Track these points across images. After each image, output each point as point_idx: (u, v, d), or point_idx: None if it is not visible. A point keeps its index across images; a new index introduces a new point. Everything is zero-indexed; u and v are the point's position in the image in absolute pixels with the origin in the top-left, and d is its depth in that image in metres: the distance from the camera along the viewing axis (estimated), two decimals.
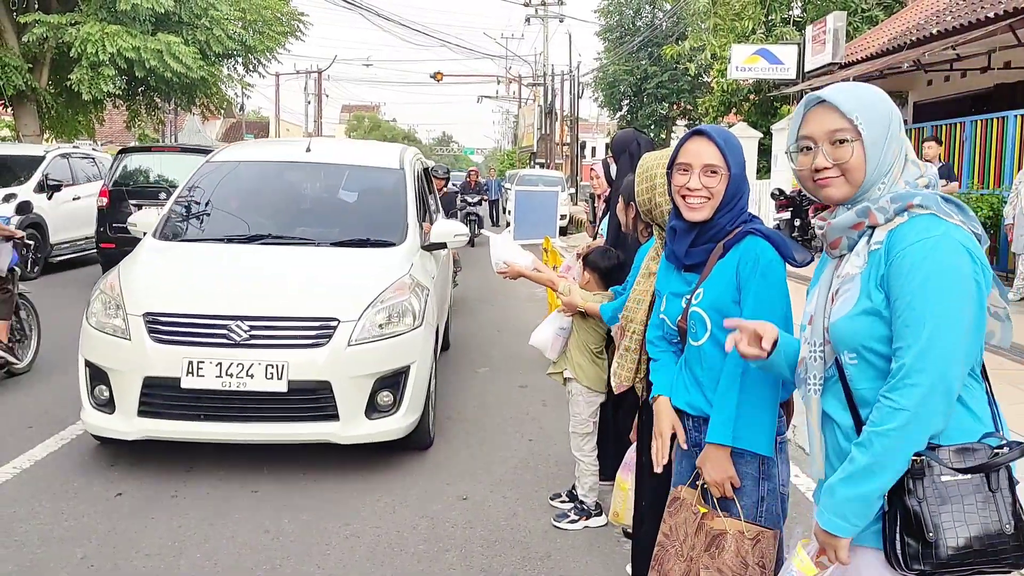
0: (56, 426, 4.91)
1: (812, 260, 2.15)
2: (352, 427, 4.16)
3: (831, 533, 1.63)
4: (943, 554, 1.54)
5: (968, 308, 1.56)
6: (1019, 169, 9.32)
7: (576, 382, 3.71)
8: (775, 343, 1.81)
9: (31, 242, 6.44)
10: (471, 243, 11.32)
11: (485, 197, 20.16)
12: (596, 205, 6.55)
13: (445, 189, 11.82)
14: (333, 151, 6.36)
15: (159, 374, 4.06)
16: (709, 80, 22.82)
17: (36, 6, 16.65)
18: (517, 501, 4.07)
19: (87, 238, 12.23)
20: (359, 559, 3.44)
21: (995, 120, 10.31)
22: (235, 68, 20.38)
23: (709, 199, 2.15)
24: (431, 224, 5.85)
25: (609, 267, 3.63)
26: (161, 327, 4.13)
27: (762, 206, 15.17)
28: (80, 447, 4.59)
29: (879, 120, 1.67)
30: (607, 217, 4.06)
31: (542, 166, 36.71)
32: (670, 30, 31.21)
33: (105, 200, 10.63)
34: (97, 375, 4.25)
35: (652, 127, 34.12)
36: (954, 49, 11.04)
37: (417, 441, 4.57)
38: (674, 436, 2.26)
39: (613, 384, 2.80)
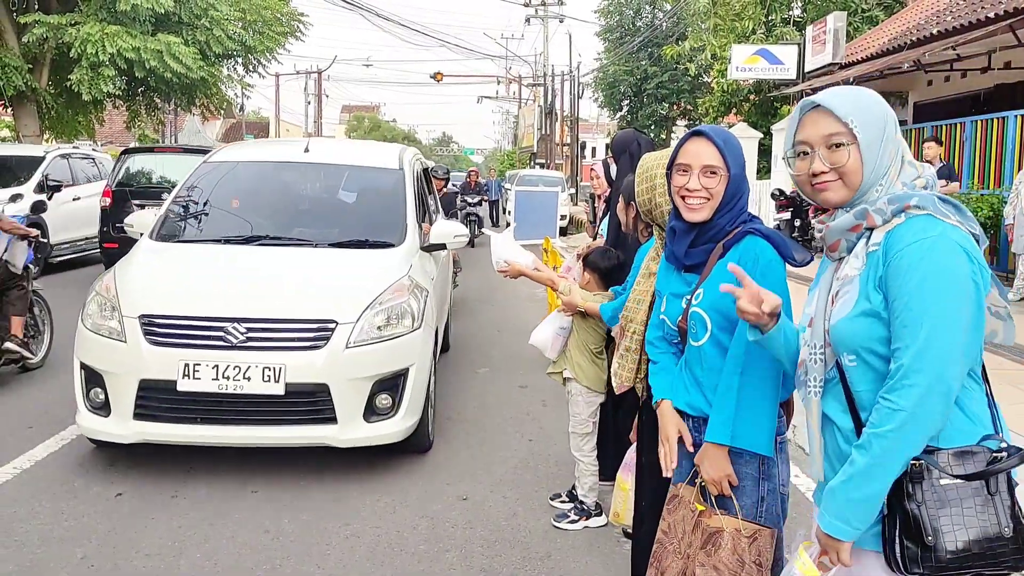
0: (56, 426, 4.91)
1: (812, 260, 2.15)
2: (350, 430, 4.13)
3: (833, 536, 1.63)
4: (942, 557, 1.54)
5: (966, 308, 1.56)
6: (1019, 169, 9.32)
7: (576, 382, 3.71)
8: (778, 316, 1.81)
9: (45, 240, 6.54)
10: (471, 244, 11.31)
11: (485, 197, 20.17)
12: (596, 205, 6.55)
13: (445, 189, 11.82)
14: (332, 151, 6.33)
15: (155, 377, 4.02)
16: (709, 80, 22.82)
17: (36, 6, 16.65)
18: (517, 501, 4.07)
19: (87, 238, 12.25)
20: (359, 559, 3.44)
21: (995, 120, 10.31)
22: (235, 68, 20.38)
23: (708, 200, 2.15)
24: (430, 225, 5.82)
25: (609, 267, 3.63)
26: (157, 329, 4.10)
27: (762, 206, 15.17)
28: (80, 447, 4.59)
29: (874, 123, 1.68)
30: (607, 217, 4.06)
31: (542, 166, 36.72)
32: (670, 30, 31.23)
33: (108, 200, 10.78)
34: (92, 378, 4.22)
35: (652, 127, 34.11)
36: (954, 49, 11.04)
37: (416, 444, 4.54)
38: (681, 439, 2.25)
39: (614, 384, 2.80)
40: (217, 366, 3.97)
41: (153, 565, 3.36)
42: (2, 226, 5.90)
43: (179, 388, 3.97)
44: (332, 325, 4.14)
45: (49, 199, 10.49)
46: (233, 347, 4.01)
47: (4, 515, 3.78)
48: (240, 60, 19.77)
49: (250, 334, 4.04)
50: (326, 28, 40.50)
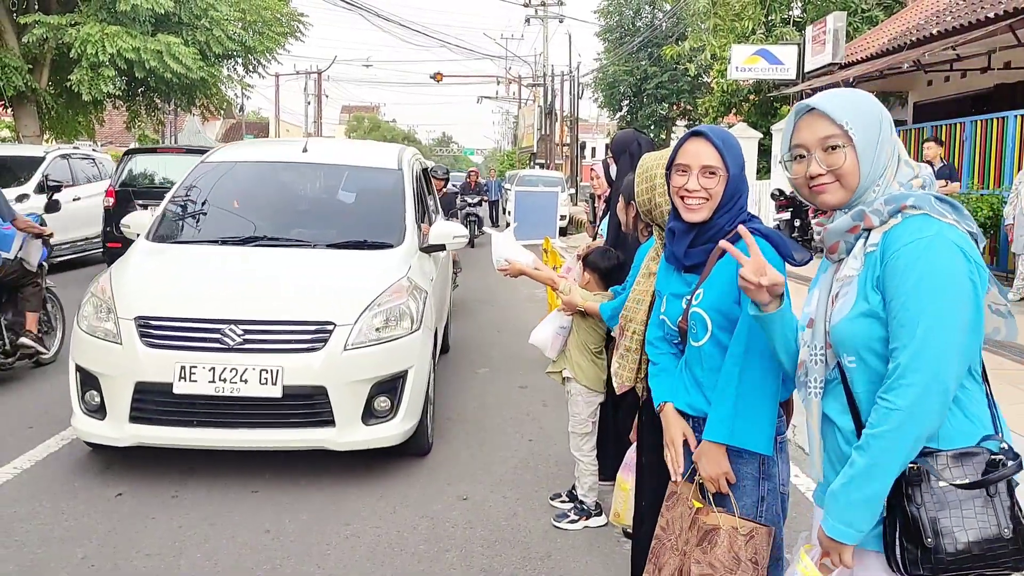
0: (56, 426, 4.91)
1: (811, 259, 2.15)
2: (348, 433, 4.09)
3: (836, 540, 1.64)
4: (942, 559, 1.55)
5: (963, 307, 1.57)
6: (1019, 169, 9.32)
7: (575, 382, 3.72)
8: (780, 299, 1.81)
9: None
10: (471, 244, 11.30)
11: (485, 198, 20.15)
12: (596, 205, 6.56)
13: (444, 190, 11.82)
14: (330, 151, 6.28)
15: (151, 379, 3.98)
16: (709, 80, 22.83)
17: (36, 7, 16.65)
18: (517, 501, 4.07)
19: (87, 239, 12.26)
20: (359, 559, 3.45)
21: (995, 120, 10.31)
22: (235, 69, 20.39)
23: (707, 200, 2.15)
24: (430, 225, 5.79)
25: (609, 267, 3.63)
26: (153, 331, 4.06)
27: (762, 206, 15.18)
28: (80, 447, 4.58)
29: (870, 124, 1.68)
30: (607, 217, 4.06)
31: (542, 166, 36.72)
32: (670, 30, 31.22)
33: (112, 200, 10.90)
34: (88, 380, 4.17)
35: (652, 127, 34.11)
36: (954, 49, 11.05)
37: (415, 447, 4.50)
38: (686, 441, 2.26)
39: (615, 384, 2.80)
40: (214, 368, 3.93)
41: (153, 565, 3.36)
42: (18, 225, 6.06)
43: (175, 391, 3.93)
44: (330, 327, 4.10)
45: (49, 199, 10.52)
46: (230, 349, 3.97)
47: (4, 515, 3.78)
48: (240, 60, 19.77)
49: (247, 336, 4.00)
50: (326, 28, 40.51)
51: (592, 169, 4.63)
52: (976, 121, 10.71)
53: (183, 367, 3.94)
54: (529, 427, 5.25)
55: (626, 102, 36.72)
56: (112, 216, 10.67)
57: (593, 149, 48.82)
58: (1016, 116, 9.91)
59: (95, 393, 4.14)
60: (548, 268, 4.72)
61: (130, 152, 12.32)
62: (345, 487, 4.15)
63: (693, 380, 2.22)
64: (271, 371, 3.95)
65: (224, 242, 4.95)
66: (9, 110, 18.19)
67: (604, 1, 36.70)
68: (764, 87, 18.32)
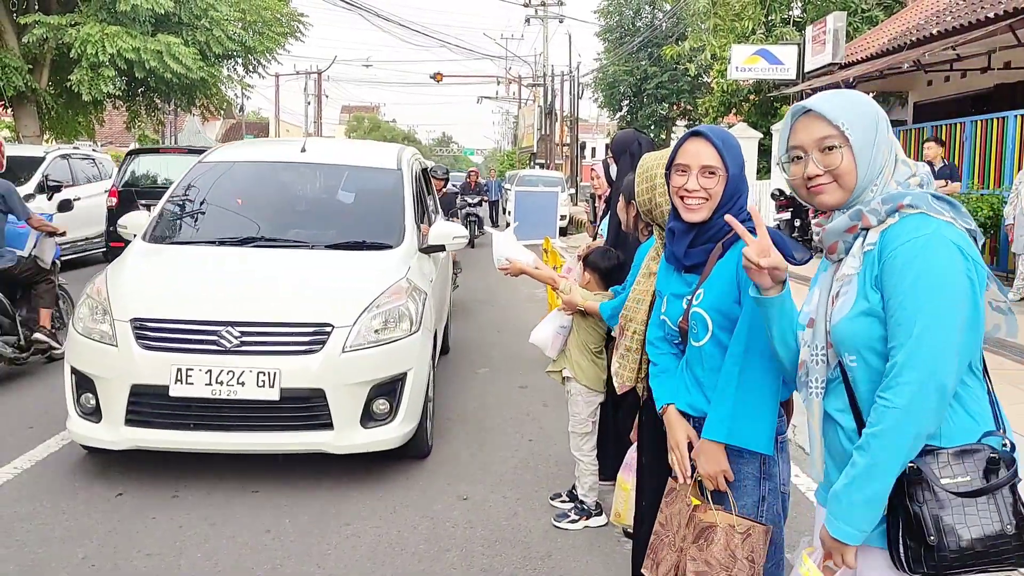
0: (57, 426, 4.90)
1: (811, 258, 2.16)
2: (347, 436, 4.04)
3: (839, 540, 1.64)
4: (945, 556, 1.55)
5: (961, 304, 1.57)
6: (1019, 169, 9.31)
7: (575, 381, 3.72)
8: (783, 282, 1.81)
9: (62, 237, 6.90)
10: (471, 244, 11.29)
11: (485, 198, 20.15)
12: (597, 205, 6.56)
13: (444, 190, 11.82)
14: (329, 151, 6.22)
15: (147, 382, 3.93)
16: (709, 80, 22.84)
17: (36, 7, 16.66)
18: (518, 501, 4.07)
19: (87, 239, 12.27)
20: (360, 559, 3.45)
21: (995, 120, 10.31)
22: (235, 69, 20.39)
23: (707, 200, 2.15)
24: (429, 226, 5.76)
25: (609, 267, 3.63)
26: (149, 333, 4.00)
27: (762, 206, 15.17)
28: (81, 447, 4.59)
29: (866, 124, 1.69)
30: (607, 217, 4.07)
31: (542, 166, 36.73)
32: (670, 30, 31.23)
33: (115, 200, 10.94)
34: (83, 382, 4.12)
35: (652, 127, 34.12)
36: (954, 49, 11.05)
37: (414, 450, 4.45)
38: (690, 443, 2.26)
39: (615, 384, 2.81)
40: (210, 371, 3.88)
41: (154, 565, 3.36)
42: (32, 224, 6.19)
43: (171, 393, 3.88)
44: (328, 329, 4.05)
45: (49, 199, 10.58)
46: (227, 351, 3.92)
47: (5, 515, 3.78)
48: (240, 60, 19.78)
49: (244, 338, 3.95)
50: (326, 28, 40.53)
51: (592, 169, 4.63)
52: (976, 121, 10.71)
53: (179, 369, 3.88)
54: (529, 427, 5.25)
55: (626, 102, 36.73)
56: (115, 216, 10.74)
57: (593, 149, 48.82)
58: (1016, 116, 9.91)
59: (90, 396, 4.08)
60: (548, 268, 4.72)
61: (133, 152, 12.46)
62: (345, 487, 4.15)
63: (694, 380, 2.22)
64: (268, 373, 3.90)
65: (221, 243, 4.91)
66: (9, 110, 18.19)
67: (604, 1, 36.71)
68: (764, 87, 18.33)
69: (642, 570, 2.34)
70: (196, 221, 5.33)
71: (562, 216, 19.11)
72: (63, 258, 11.74)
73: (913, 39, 12.33)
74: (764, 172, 17.55)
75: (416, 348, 4.35)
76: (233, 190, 5.58)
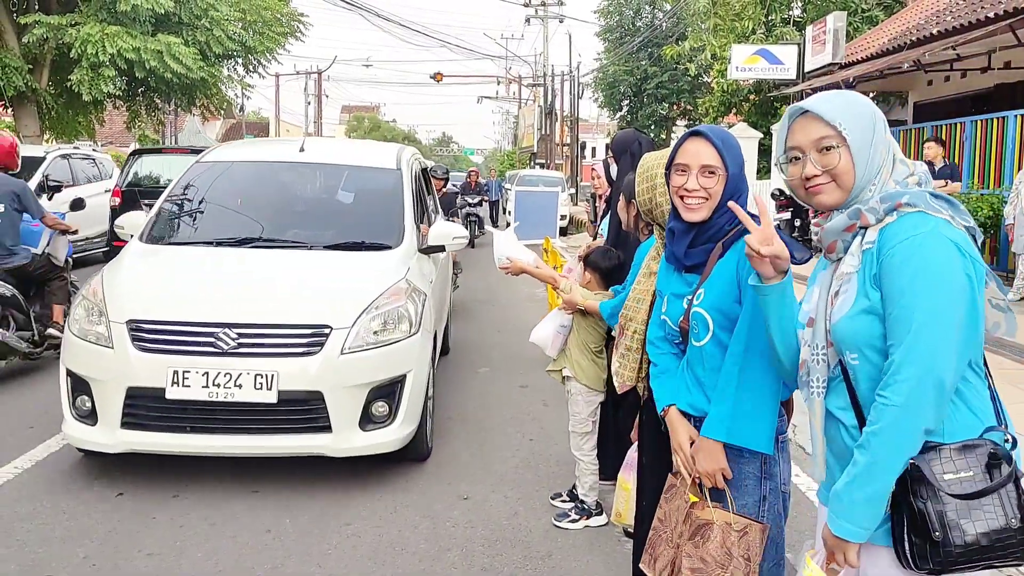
0: (57, 426, 4.87)
1: (811, 257, 2.16)
2: (345, 439, 4.00)
3: (842, 538, 1.64)
4: (951, 552, 1.55)
5: (958, 302, 1.58)
6: (1019, 169, 9.32)
7: (575, 381, 3.72)
8: (784, 272, 1.81)
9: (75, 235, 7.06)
10: (471, 244, 11.28)
11: (485, 198, 20.15)
12: (597, 205, 6.55)
13: (444, 190, 11.82)
14: (328, 151, 6.14)
15: (143, 384, 3.88)
16: (709, 80, 22.84)
17: (36, 7, 16.66)
18: (518, 501, 4.07)
19: (88, 239, 12.27)
20: (360, 559, 3.45)
21: (995, 120, 10.31)
22: (235, 69, 20.39)
23: (707, 199, 2.15)
24: (429, 226, 5.72)
25: (610, 267, 3.64)
26: (145, 335, 3.95)
27: None
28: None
29: (863, 124, 1.70)
30: (607, 217, 4.07)
31: (542, 166, 36.74)
32: (670, 30, 31.24)
33: (118, 200, 10.98)
34: (79, 385, 4.07)
35: (652, 127, 34.14)
36: (954, 49, 11.05)
37: (414, 452, 4.41)
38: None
39: (616, 384, 2.81)
40: (207, 373, 3.83)
41: (154, 565, 3.36)
42: (46, 222, 6.36)
43: (168, 396, 3.84)
44: (326, 330, 4.00)
45: (50, 199, 10.61)
46: (224, 353, 3.87)
47: (5, 515, 3.78)
48: (240, 60, 19.78)
49: (241, 340, 3.90)
50: (326, 28, 40.53)
51: (593, 169, 4.63)
52: (976, 121, 10.71)
53: (176, 372, 3.84)
54: (530, 427, 5.25)
55: (626, 102, 36.74)
56: (118, 216, 10.77)
57: (593, 149, 48.84)
58: (1016, 116, 9.91)
59: (86, 398, 4.03)
60: (549, 267, 4.73)
61: (136, 152, 12.56)
62: (346, 487, 4.15)
63: (695, 380, 2.22)
64: (266, 376, 3.85)
65: (219, 243, 4.85)
66: (9, 110, 18.19)
67: (604, 1, 36.72)
68: (764, 87, 18.33)
69: (640, 565, 2.35)
70: (193, 221, 5.28)
71: (562, 216, 19.11)
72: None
73: (913, 39, 12.33)
74: (764, 172, 17.55)
75: (415, 350, 4.31)
76: (231, 190, 5.52)
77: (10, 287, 5.98)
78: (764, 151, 17.79)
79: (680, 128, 33.04)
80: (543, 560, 3.47)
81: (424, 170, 7.05)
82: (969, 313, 1.59)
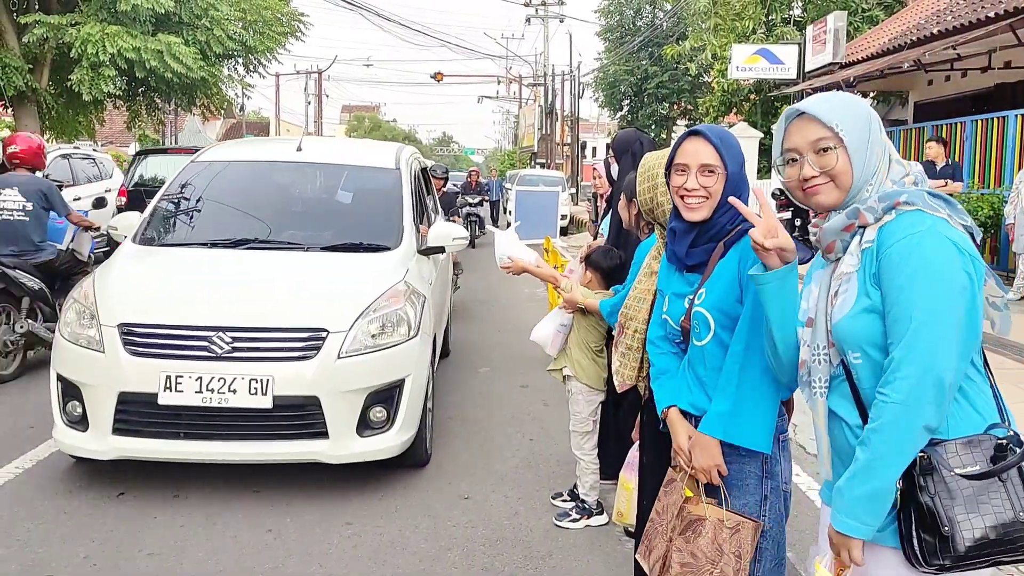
0: None
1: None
2: (342, 445, 3.91)
3: (845, 534, 1.65)
4: (960, 547, 1.55)
5: (958, 300, 1.58)
6: (1019, 169, 9.32)
7: (576, 380, 3.72)
8: (787, 261, 1.81)
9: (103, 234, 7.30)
10: (472, 244, 11.26)
11: (486, 198, 20.14)
12: (599, 204, 6.56)
13: (444, 189, 11.81)
14: (325, 150, 6.07)
15: (135, 389, 3.80)
16: (710, 80, 22.81)
17: (36, 7, 16.64)
18: (519, 500, 4.07)
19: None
20: (361, 558, 3.45)
21: (995, 120, 10.31)
22: (235, 68, 20.35)
23: (707, 199, 2.16)
24: (429, 227, 5.64)
25: (611, 267, 3.64)
26: (137, 339, 3.88)
27: None
28: None
29: (859, 125, 1.72)
30: (608, 216, 4.07)
31: (543, 166, 36.74)
32: (670, 30, 31.23)
33: (124, 200, 11.07)
34: (69, 390, 3.99)
35: (653, 127, 34.15)
36: (954, 49, 11.04)
37: (413, 458, 4.32)
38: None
39: (616, 383, 2.81)
40: (201, 378, 3.75)
41: (155, 564, 3.36)
42: (71, 219, 6.72)
43: (160, 401, 3.75)
44: (323, 334, 3.92)
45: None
46: (218, 358, 3.79)
47: (6, 515, 3.78)
48: (240, 60, 19.75)
49: (236, 344, 3.83)
50: (326, 28, 40.51)
51: (594, 168, 4.64)
52: (976, 121, 10.71)
53: (168, 376, 3.76)
54: (530, 426, 5.25)
55: (627, 102, 36.75)
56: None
57: (594, 149, 48.84)
58: (1016, 116, 9.91)
59: (77, 403, 3.95)
60: (549, 266, 4.73)
61: (142, 153, 12.77)
62: (347, 487, 4.15)
63: (696, 379, 2.23)
64: (261, 380, 3.77)
65: (213, 245, 4.77)
66: (9, 110, 18.17)
67: (604, 1, 36.71)
68: (765, 87, 18.32)
69: (636, 555, 2.36)
70: (188, 222, 5.18)
71: (563, 215, 19.13)
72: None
73: (913, 39, 12.33)
74: (764, 172, 17.54)
75: (414, 354, 4.22)
76: (226, 190, 5.41)
77: (38, 281, 6.25)
78: (765, 151, 17.77)
79: (680, 128, 33.03)
80: (544, 560, 3.47)
81: (424, 170, 6.97)
82: (969, 311, 1.60)
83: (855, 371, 1.71)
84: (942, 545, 1.56)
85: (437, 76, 36.52)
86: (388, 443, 4.04)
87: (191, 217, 5.24)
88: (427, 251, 5.22)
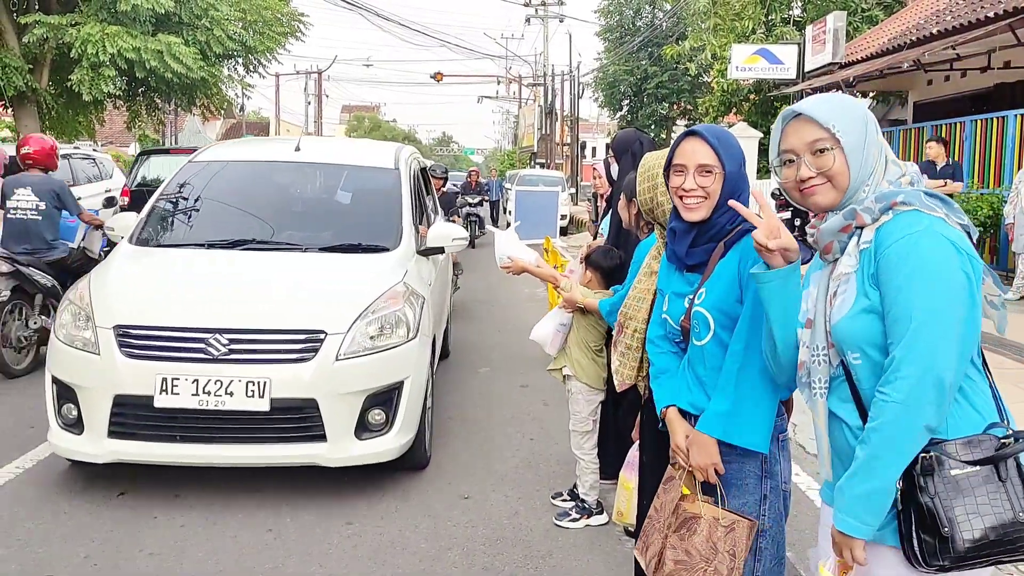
0: None
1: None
2: (341, 448, 3.87)
3: (846, 533, 1.65)
4: (960, 547, 1.56)
5: (956, 299, 1.59)
6: (1019, 168, 9.32)
7: (576, 380, 3.73)
8: (791, 261, 1.81)
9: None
10: (471, 244, 11.24)
11: (486, 198, 20.14)
12: (599, 204, 6.56)
13: (444, 189, 11.80)
14: (324, 150, 6.05)
15: (130, 392, 3.77)
16: (709, 80, 22.81)
17: (36, 7, 16.65)
18: (519, 500, 4.07)
19: None
20: (361, 558, 3.45)
21: (995, 120, 10.32)
22: (235, 69, 20.35)
23: (705, 199, 2.16)
24: (428, 227, 5.60)
25: (611, 267, 3.65)
26: (133, 341, 3.83)
27: None
28: None
29: (856, 126, 1.72)
30: (608, 216, 4.08)
31: (542, 166, 36.75)
32: (670, 30, 31.23)
33: (127, 200, 11.13)
34: (64, 392, 3.95)
35: (652, 127, 34.15)
36: (954, 49, 11.05)
37: (412, 461, 4.28)
38: None
39: (615, 382, 2.81)
40: (197, 380, 3.71)
41: (155, 564, 3.37)
42: (82, 218, 7.00)
43: (156, 404, 3.72)
44: (321, 336, 3.88)
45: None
46: (214, 360, 3.75)
47: (6, 514, 3.79)
48: (240, 60, 19.75)
49: (233, 346, 3.79)
50: (326, 28, 40.51)
51: (594, 168, 4.64)
52: (976, 120, 10.72)
53: (164, 379, 3.72)
54: (530, 426, 5.26)
55: (626, 102, 36.76)
56: None
57: (593, 149, 48.85)
58: (1016, 115, 9.92)
59: (72, 406, 3.91)
60: (549, 266, 4.73)
61: (145, 153, 12.79)
62: (346, 487, 4.15)
63: (695, 379, 2.23)
64: (258, 383, 3.73)
65: (211, 246, 4.72)
66: (9, 110, 18.17)
67: (604, 1, 36.71)
68: (764, 87, 18.33)
69: (634, 551, 2.37)
70: (184, 223, 5.13)
71: (562, 215, 19.14)
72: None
73: (913, 39, 12.33)
74: (764, 172, 17.54)
75: (413, 355, 4.18)
76: (224, 191, 5.36)
77: (50, 278, 6.45)
78: (764, 151, 17.75)
79: (680, 128, 33.01)
80: (544, 559, 3.48)
81: (423, 170, 6.93)
82: (968, 310, 1.60)
83: (854, 372, 1.72)
84: (942, 546, 1.57)
85: (437, 76, 36.53)
86: (387, 446, 4.01)
87: (188, 217, 5.19)
88: (426, 252, 5.19)
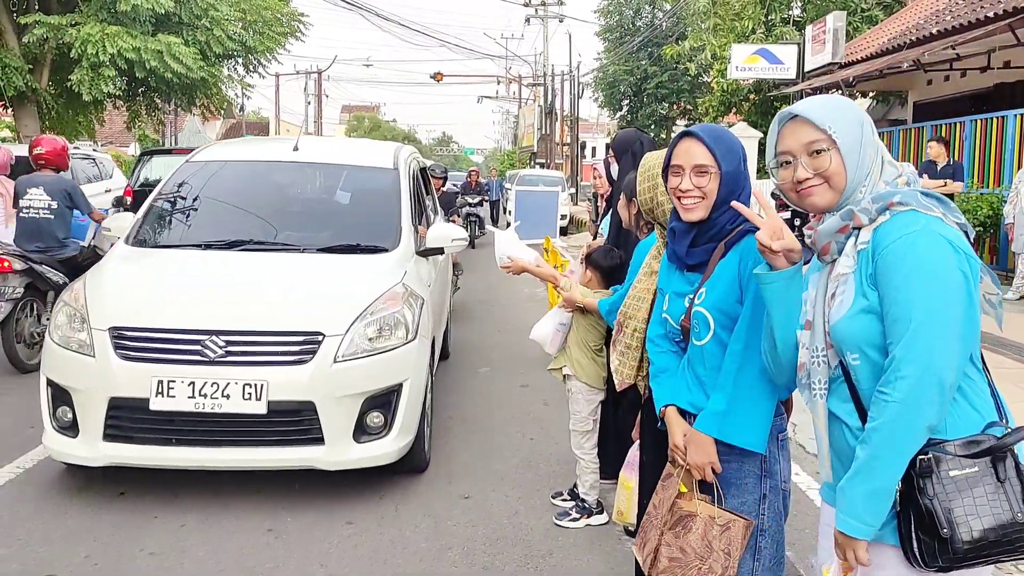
0: None
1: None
2: (339, 451, 3.84)
3: (848, 534, 1.65)
4: (959, 548, 1.56)
5: (955, 298, 1.59)
6: (1019, 168, 9.32)
7: (576, 379, 3.73)
8: (794, 262, 1.81)
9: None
10: (471, 244, 11.24)
11: (486, 197, 20.13)
12: (599, 204, 6.56)
13: (444, 189, 11.80)
14: (322, 150, 6.02)
15: (126, 394, 3.73)
16: (709, 80, 22.81)
17: (36, 7, 16.65)
18: (519, 500, 4.08)
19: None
20: (361, 558, 3.46)
21: (995, 120, 10.32)
22: (235, 69, 20.36)
23: (703, 199, 2.16)
24: (428, 227, 5.57)
25: (611, 266, 3.65)
26: (128, 343, 3.79)
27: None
28: None
29: (852, 128, 1.73)
30: (608, 216, 4.08)
31: (542, 166, 36.75)
32: (670, 30, 31.23)
33: (130, 200, 11.18)
34: (59, 395, 3.91)
35: (652, 127, 34.16)
36: (954, 49, 11.05)
37: (411, 464, 4.24)
38: None
39: (615, 382, 2.82)
40: (193, 383, 3.67)
41: (156, 564, 3.37)
42: (94, 217, 7.17)
43: (152, 407, 3.68)
44: (319, 338, 3.84)
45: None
46: (211, 362, 3.71)
47: (7, 514, 3.79)
48: (240, 60, 19.75)
49: (229, 348, 3.74)
50: (326, 28, 40.54)
51: (594, 168, 4.64)
52: (976, 120, 10.72)
53: (160, 381, 3.67)
54: (530, 426, 5.26)
55: (626, 102, 36.77)
56: None
57: (593, 149, 48.85)
58: (1016, 115, 9.92)
59: (67, 409, 3.87)
60: (549, 266, 4.74)
61: (147, 153, 12.92)
62: (347, 487, 4.15)
63: (695, 378, 2.23)
64: (255, 385, 3.70)
65: (207, 246, 4.67)
66: (9, 110, 18.17)
67: (604, 1, 36.71)
68: (764, 86, 18.33)
69: (633, 547, 2.37)
70: (181, 224, 5.09)
71: (562, 215, 19.14)
72: None
73: (913, 38, 12.33)
74: (764, 172, 17.52)
75: (412, 357, 4.14)
76: (221, 191, 5.30)
77: (62, 276, 6.58)
78: (764, 151, 17.75)
79: (680, 127, 33.01)
80: (544, 559, 3.48)
81: (423, 170, 6.90)
82: (966, 309, 1.61)
83: (854, 372, 1.72)
84: (941, 547, 1.57)
85: (437, 76, 36.52)
86: (385, 449, 3.98)
87: (185, 218, 5.15)
88: (426, 252, 5.15)
